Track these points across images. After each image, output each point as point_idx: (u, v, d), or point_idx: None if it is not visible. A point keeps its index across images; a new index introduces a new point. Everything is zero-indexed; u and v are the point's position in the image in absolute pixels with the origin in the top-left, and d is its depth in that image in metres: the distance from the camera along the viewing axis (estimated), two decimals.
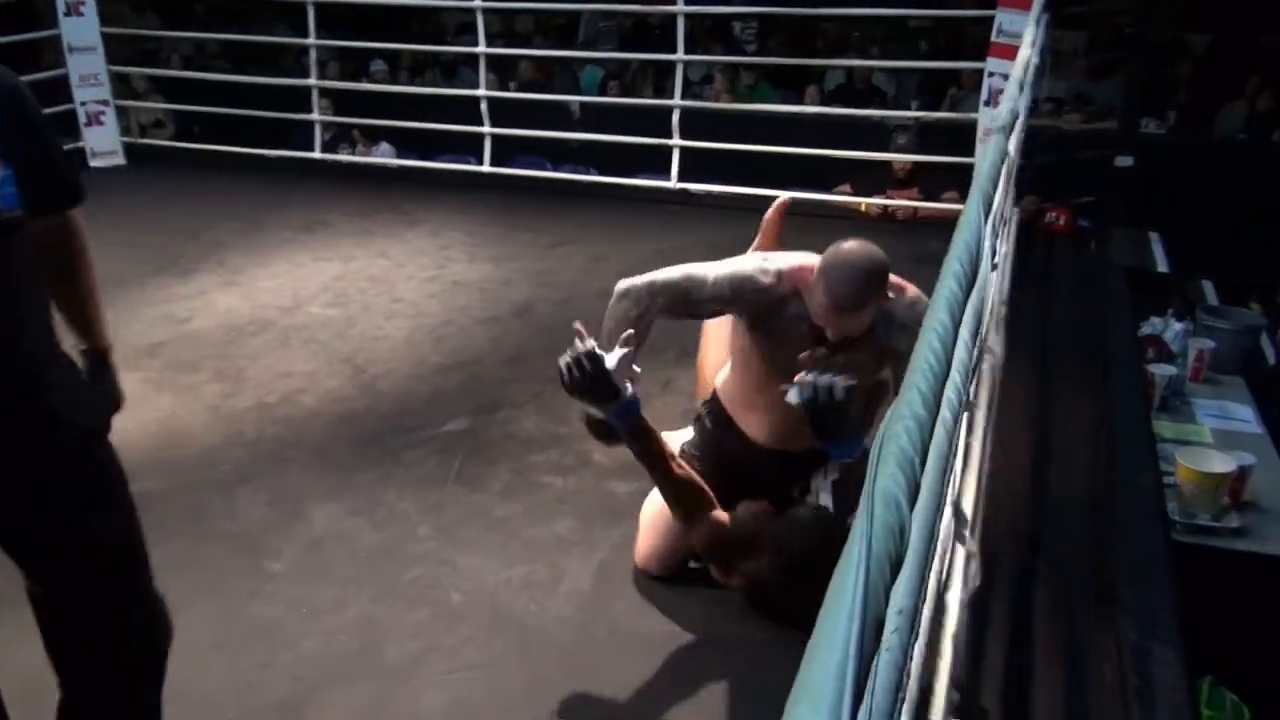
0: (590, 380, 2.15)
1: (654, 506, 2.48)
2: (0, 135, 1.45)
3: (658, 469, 2.30)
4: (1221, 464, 2.97)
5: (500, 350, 3.85)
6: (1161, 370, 3.65)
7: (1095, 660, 2.13)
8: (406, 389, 3.54)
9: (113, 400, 1.84)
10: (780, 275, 2.26)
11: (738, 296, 2.27)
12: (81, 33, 6.15)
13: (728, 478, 2.41)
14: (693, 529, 2.33)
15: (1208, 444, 3.32)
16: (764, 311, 2.28)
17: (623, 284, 2.35)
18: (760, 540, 2.26)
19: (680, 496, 2.32)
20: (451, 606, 2.41)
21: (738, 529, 2.30)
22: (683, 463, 2.36)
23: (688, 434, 2.59)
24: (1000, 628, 2.23)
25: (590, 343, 2.17)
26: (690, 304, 2.32)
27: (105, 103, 6.33)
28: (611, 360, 2.17)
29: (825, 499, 2.37)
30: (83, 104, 6.23)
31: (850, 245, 2.12)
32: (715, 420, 2.50)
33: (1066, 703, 2.04)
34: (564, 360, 2.16)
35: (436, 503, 2.83)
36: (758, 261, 2.31)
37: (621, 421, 2.23)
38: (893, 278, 2.19)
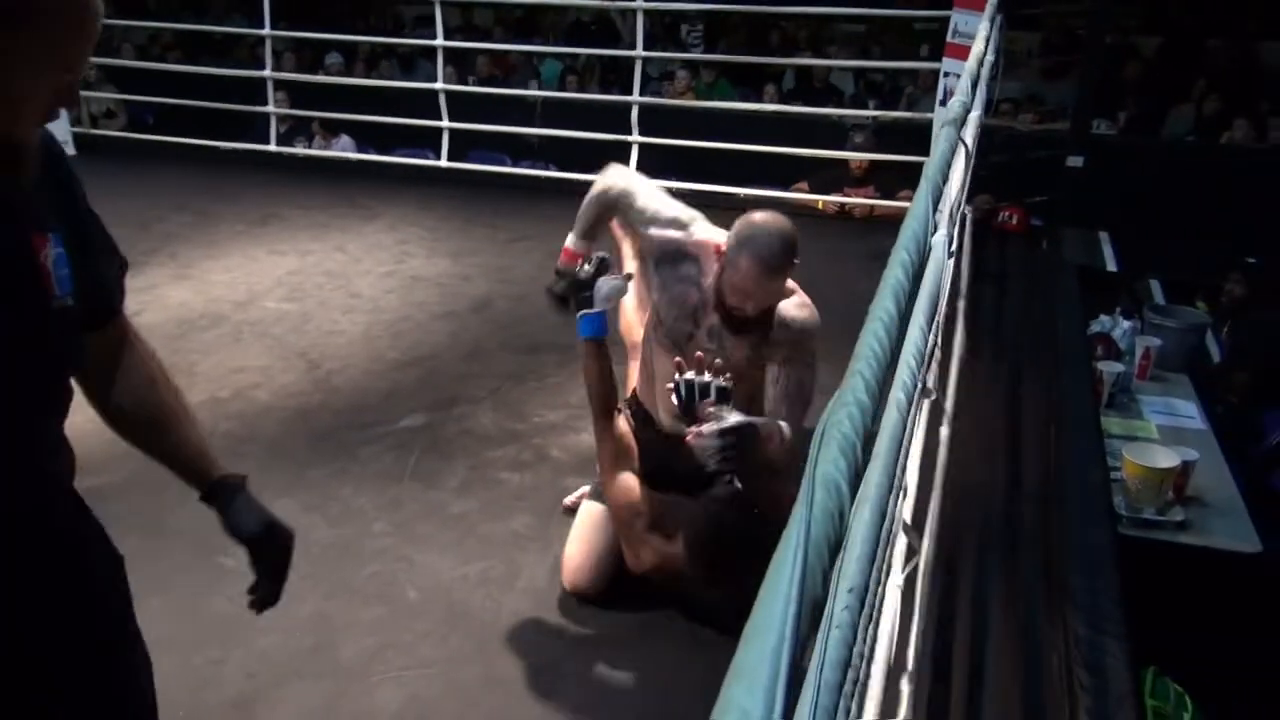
0: (590, 277, 2.34)
1: (584, 518, 2.48)
2: (51, 209, 1.11)
3: (601, 397, 2.35)
4: (1166, 459, 3.04)
5: (458, 346, 3.84)
6: (1110, 368, 3.74)
7: (1043, 650, 2.17)
8: (363, 384, 3.52)
9: (282, 534, 1.49)
10: (694, 230, 2.34)
11: (655, 224, 2.35)
12: None
13: (655, 476, 2.41)
14: (613, 481, 2.34)
15: (1154, 439, 3.40)
16: (669, 255, 2.34)
17: (608, 182, 2.45)
18: (676, 526, 2.28)
19: (610, 435, 2.36)
20: (408, 603, 2.41)
21: (655, 503, 2.31)
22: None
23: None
24: (951, 618, 2.27)
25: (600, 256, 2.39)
26: (628, 212, 2.42)
27: None
28: (604, 282, 2.34)
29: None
30: None
31: (764, 215, 2.19)
32: (636, 416, 2.52)
33: (1015, 691, 2.07)
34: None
35: (393, 499, 2.82)
36: (688, 212, 2.38)
37: (589, 331, 2.33)
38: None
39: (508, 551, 2.60)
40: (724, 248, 2.20)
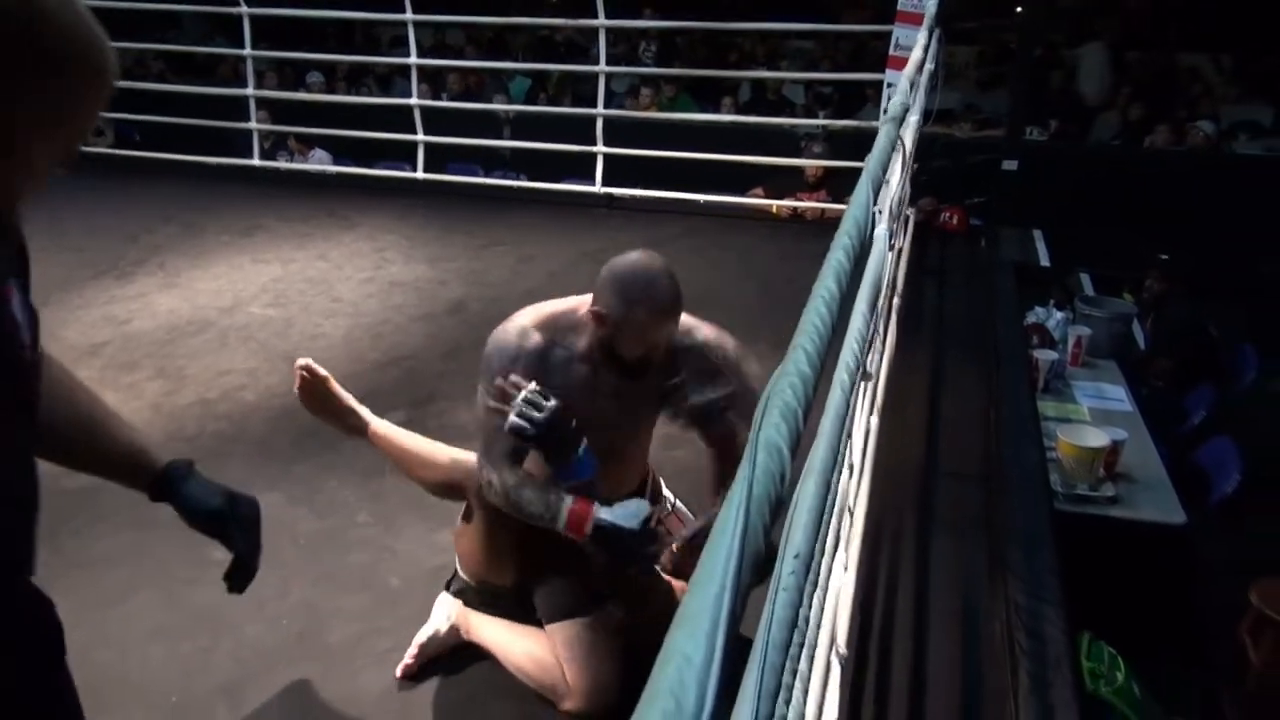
0: (549, 419, 1.81)
1: (578, 643, 1.98)
2: (4, 253, 0.95)
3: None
4: (1097, 439, 3.08)
5: (435, 346, 3.82)
6: (1044, 355, 3.78)
7: (985, 620, 2.19)
8: (345, 384, 3.44)
9: (245, 502, 1.34)
10: (525, 331, 1.91)
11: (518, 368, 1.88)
12: None
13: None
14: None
15: (1085, 421, 3.45)
16: (539, 376, 1.88)
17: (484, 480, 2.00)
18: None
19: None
20: (390, 590, 2.39)
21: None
22: None
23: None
24: (897, 591, 2.28)
25: (531, 386, 1.84)
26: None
27: None
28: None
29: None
30: None
31: (637, 259, 1.82)
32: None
33: (959, 659, 2.09)
34: (514, 416, 1.82)
35: (375, 492, 2.79)
36: (502, 338, 1.93)
37: (579, 478, 1.85)
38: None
39: None
40: (598, 310, 1.83)
